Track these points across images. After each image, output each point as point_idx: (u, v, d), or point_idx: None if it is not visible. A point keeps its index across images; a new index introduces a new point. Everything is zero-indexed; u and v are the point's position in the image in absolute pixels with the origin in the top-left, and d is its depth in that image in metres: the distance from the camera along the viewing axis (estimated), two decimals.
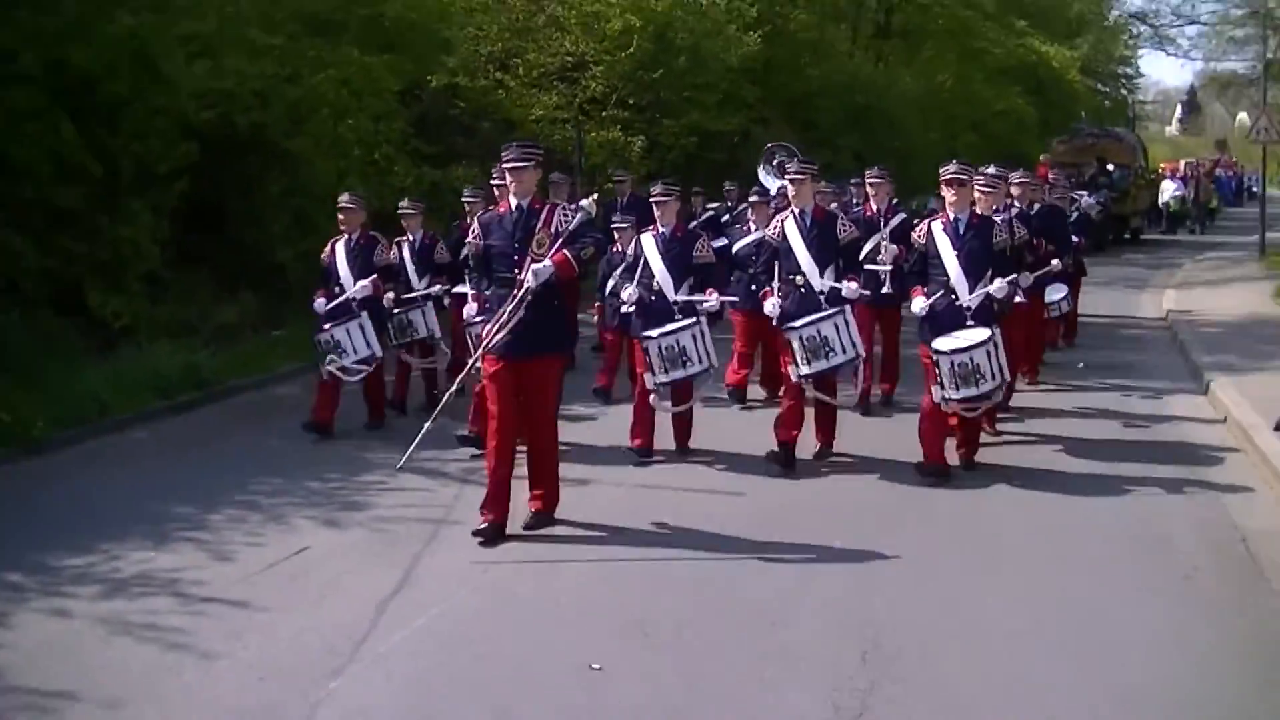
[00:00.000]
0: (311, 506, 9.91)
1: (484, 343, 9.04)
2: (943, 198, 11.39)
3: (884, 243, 13.03)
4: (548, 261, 8.77)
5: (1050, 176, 17.92)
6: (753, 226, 13.97)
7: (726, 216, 18.55)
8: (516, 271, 8.86)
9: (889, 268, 12.89)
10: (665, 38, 26.23)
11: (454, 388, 9.77)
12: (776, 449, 10.83)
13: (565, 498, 9.41)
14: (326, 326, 12.42)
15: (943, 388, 10.24)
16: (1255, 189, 68.52)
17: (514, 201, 9.07)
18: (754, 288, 12.39)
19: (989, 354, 10.15)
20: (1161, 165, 53.47)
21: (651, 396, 11.22)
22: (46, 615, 7.68)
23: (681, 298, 11.31)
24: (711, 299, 11.32)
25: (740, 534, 8.90)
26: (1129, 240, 36.15)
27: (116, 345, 14.48)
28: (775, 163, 18.91)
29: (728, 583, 7.97)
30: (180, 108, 15.31)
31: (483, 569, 8.31)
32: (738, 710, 6.10)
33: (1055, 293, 14.92)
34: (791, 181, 11.19)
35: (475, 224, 9.44)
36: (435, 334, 13.52)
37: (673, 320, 11.13)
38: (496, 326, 8.88)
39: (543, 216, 8.92)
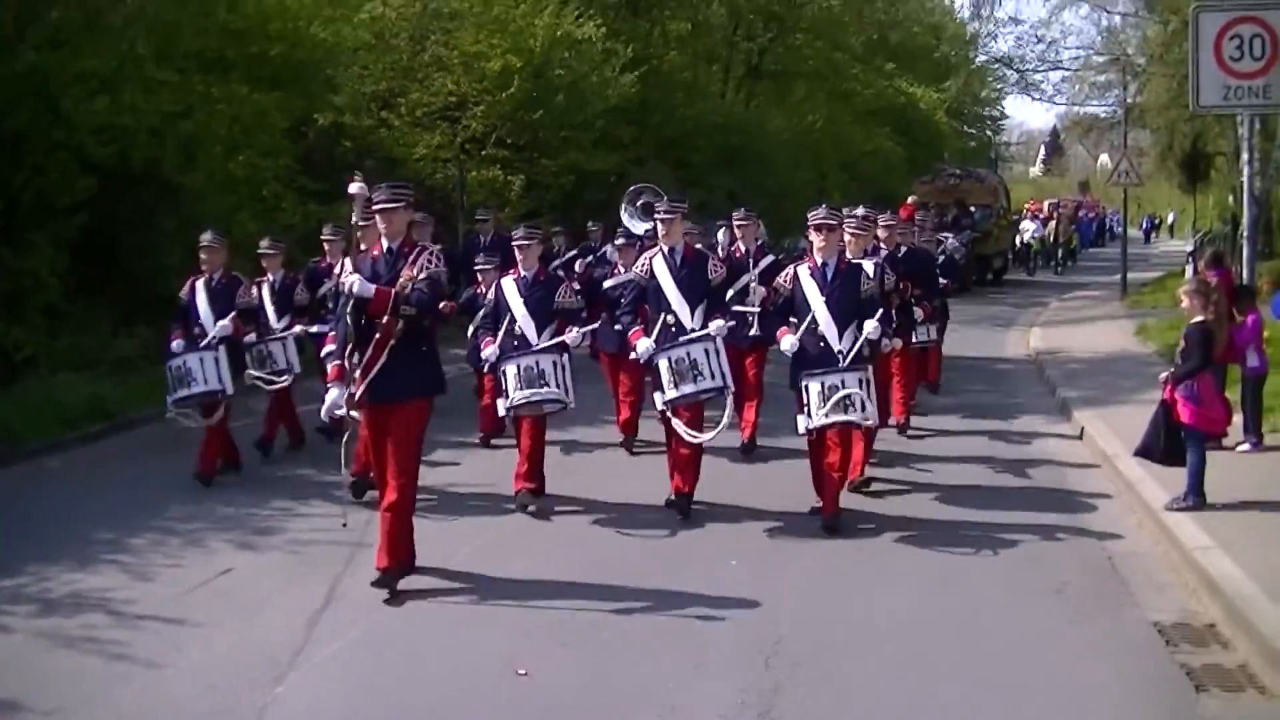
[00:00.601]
0: (227, 531, 10.40)
1: (357, 387, 8.74)
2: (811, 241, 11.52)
3: (752, 284, 13.01)
4: (370, 287, 8.57)
5: (917, 219, 18.28)
6: (620, 269, 13.92)
7: (591, 257, 18.54)
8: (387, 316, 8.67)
9: (757, 309, 12.89)
10: (544, 77, 27.02)
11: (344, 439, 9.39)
12: (674, 497, 10.80)
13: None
14: (179, 352, 12.20)
15: (809, 416, 10.16)
16: (1117, 229, 71.08)
17: (385, 244, 8.92)
18: (618, 328, 12.64)
19: (860, 382, 10.09)
20: (1026, 205, 55.28)
21: (507, 421, 11.35)
22: None
23: (544, 344, 11.18)
24: (571, 334, 11.38)
25: (639, 566, 9.23)
26: (991, 281, 36.98)
27: (19, 375, 14.87)
28: (639, 204, 18.34)
29: (635, 596, 8.62)
30: (79, 143, 15.79)
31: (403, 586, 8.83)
32: (655, 706, 6.75)
33: (922, 335, 14.84)
34: (661, 220, 11.10)
35: (347, 264, 8.99)
36: (294, 367, 13.34)
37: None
38: (362, 371, 8.68)
39: (410, 258, 8.77)
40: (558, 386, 10.89)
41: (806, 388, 10.21)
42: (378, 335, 8.61)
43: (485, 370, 12.11)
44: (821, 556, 9.48)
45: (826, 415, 10.07)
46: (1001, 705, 6.66)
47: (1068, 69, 40.20)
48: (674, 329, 10.81)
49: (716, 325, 10.59)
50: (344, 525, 9.38)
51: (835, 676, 7.09)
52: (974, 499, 11.15)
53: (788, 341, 10.47)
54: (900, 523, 10.45)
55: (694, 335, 10.58)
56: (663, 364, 10.46)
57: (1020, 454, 13.24)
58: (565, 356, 11.14)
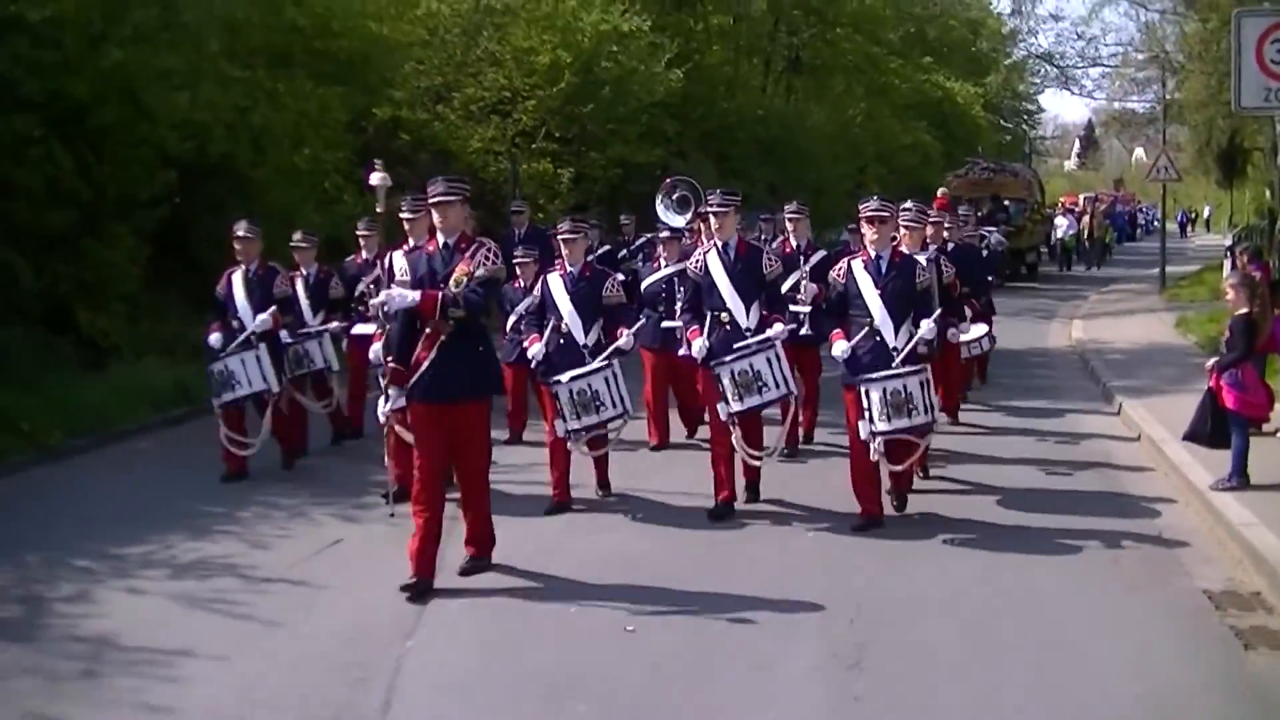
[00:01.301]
0: (327, 505, 11.13)
1: (405, 385, 8.80)
2: (859, 233, 11.57)
3: (804, 281, 12.67)
4: (411, 296, 8.63)
5: (960, 213, 18.27)
6: (663, 263, 13.74)
7: (624, 251, 19.02)
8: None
9: (808, 308, 12.62)
10: (592, 71, 27.71)
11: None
12: (716, 507, 10.72)
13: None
14: (221, 356, 12.17)
15: (871, 421, 9.95)
16: (1154, 224, 71.52)
17: (440, 239, 8.80)
18: (664, 325, 13.00)
19: (922, 385, 9.96)
20: (1061, 199, 55.76)
21: (569, 443, 10.89)
22: (126, 593, 8.85)
23: (591, 341, 11.03)
24: (624, 339, 11.01)
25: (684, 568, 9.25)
26: (1025, 276, 37.12)
27: (106, 362, 15.67)
28: (676, 197, 18.19)
29: (721, 570, 9.39)
30: (160, 137, 16.56)
31: (513, 552, 9.46)
32: (753, 658, 7.48)
33: (976, 331, 14.47)
34: (715, 214, 10.84)
35: (401, 261, 9.03)
36: (333, 366, 13.45)
37: (584, 363, 10.82)
38: (410, 369, 8.73)
39: (466, 253, 8.66)
40: (614, 404, 10.69)
41: (867, 393, 9.96)
42: (427, 332, 8.61)
43: (532, 368, 11.60)
44: (887, 539, 9.91)
45: (890, 421, 9.91)
46: (1065, 663, 7.29)
47: (1107, 65, 40.78)
48: (729, 328, 10.68)
49: (777, 330, 10.52)
50: (392, 515, 9.94)
51: (913, 636, 7.74)
52: (1029, 484, 11.68)
53: (840, 347, 10.28)
54: (960, 505, 10.89)
55: (753, 343, 10.45)
56: (725, 377, 10.40)
57: (1070, 440, 13.83)
58: (615, 365, 10.81)
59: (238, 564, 9.49)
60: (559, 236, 11.43)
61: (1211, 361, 11.24)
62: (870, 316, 10.24)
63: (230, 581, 9.08)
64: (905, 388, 9.91)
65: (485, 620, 8.27)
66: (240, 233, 12.59)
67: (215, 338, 12.29)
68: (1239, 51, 14.86)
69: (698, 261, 10.97)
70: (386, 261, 10.73)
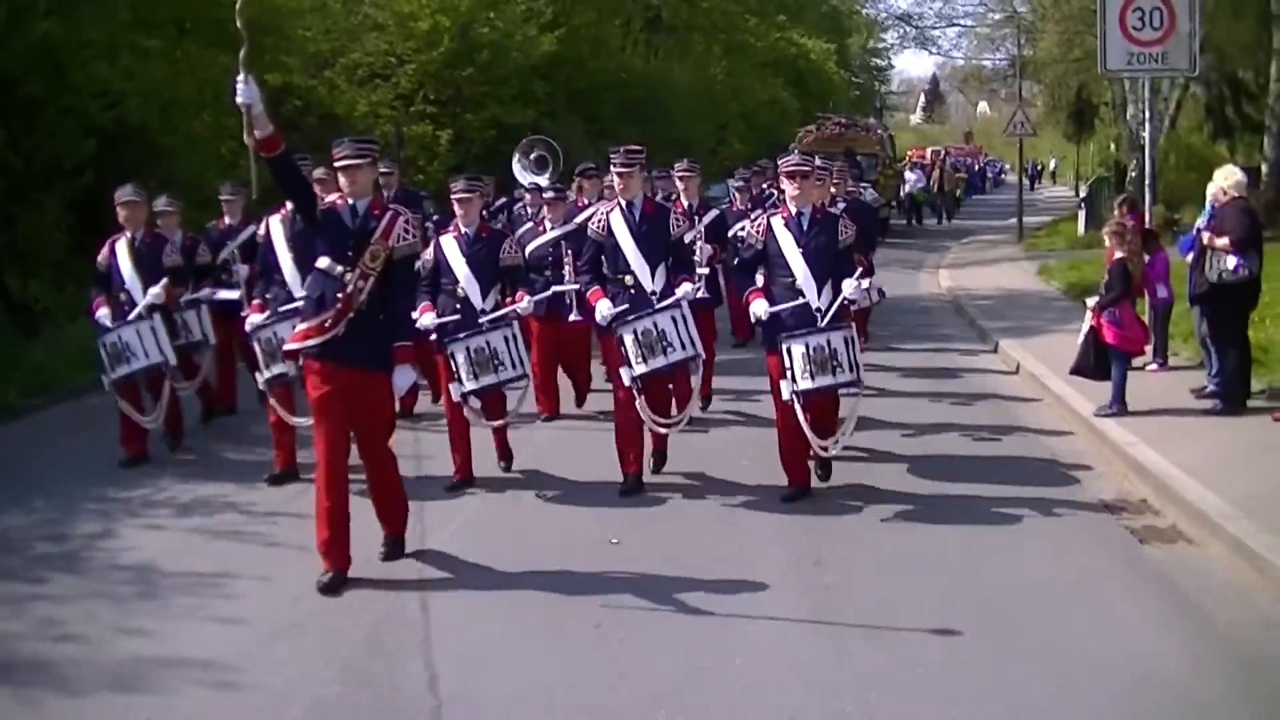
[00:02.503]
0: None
1: (300, 347, 8.47)
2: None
3: (699, 242, 12.15)
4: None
5: (835, 169, 17.87)
6: (548, 225, 13.47)
7: (484, 213, 19.38)
8: (345, 277, 8.27)
9: (705, 270, 12.27)
10: (468, 35, 28.82)
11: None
12: (625, 481, 10.51)
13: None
14: (113, 326, 11.61)
15: (794, 381, 9.75)
16: (1000, 177, 74.06)
17: (350, 202, 8.37)
18: (552, 289, 12.76)
19: (846, 341, 9.79)
20: (909, 152, 57.73)
21: (465, 410, 10.65)
22: (146, 529, 9.71)
23: (489, 306, 10.73)
24: (525, 302, 10.80)
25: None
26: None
27: (38, 327, 16.55)
28: (533, 156, 19.22)
29: (695, 493, 10.64)
30: (84, 107, 17.43)
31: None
32: (735, 563, 8.67)
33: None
34: (620, 173, 10.50)
35: (273, 224, 9.53)
36: (210, 338, 12.93)
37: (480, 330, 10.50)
38: (311, 330, 8.36)
39: (382, 225, 8.34)
40: (514, 365, 10.45)
41: (789, 350, 9.76)
42: (338, 306, 8.22)
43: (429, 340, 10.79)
44: (824, 494, 10.29)
45: (813, 379, 9.70)
46: (995, 558, 8.70)
47: (964, 25, 42.55)
48: (634, 291, 10.36)
49: (685, 289, 10.24)
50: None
51: (865, 541, 9.12)
52: (932, 425, 12.78)
53: (760, 306, 10.02)
54: (881, 457, 11.44)
55: (661, 305, 10.15)
56: (628, 337, 10.04)
57: (961, 381, 15.35)
58: (514, 327, 10.61)
59: (236, 501, 10.38)
60: (453, 195, 10.99)
61: (1092, 301, 12.81)
62: (791, 275, 10.01)
63: (237, 516, 9.99)
64: (829, 343, 9.70)
65: (479, 538, 9.35)
66: (123, 197, 11.95)
67: (104, 313, 11.69)
68: (1103, 19, 16.51)
69: (600, 221, 10.60)
70: (263, 228, 11.16)
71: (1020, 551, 8.85)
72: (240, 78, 7.93)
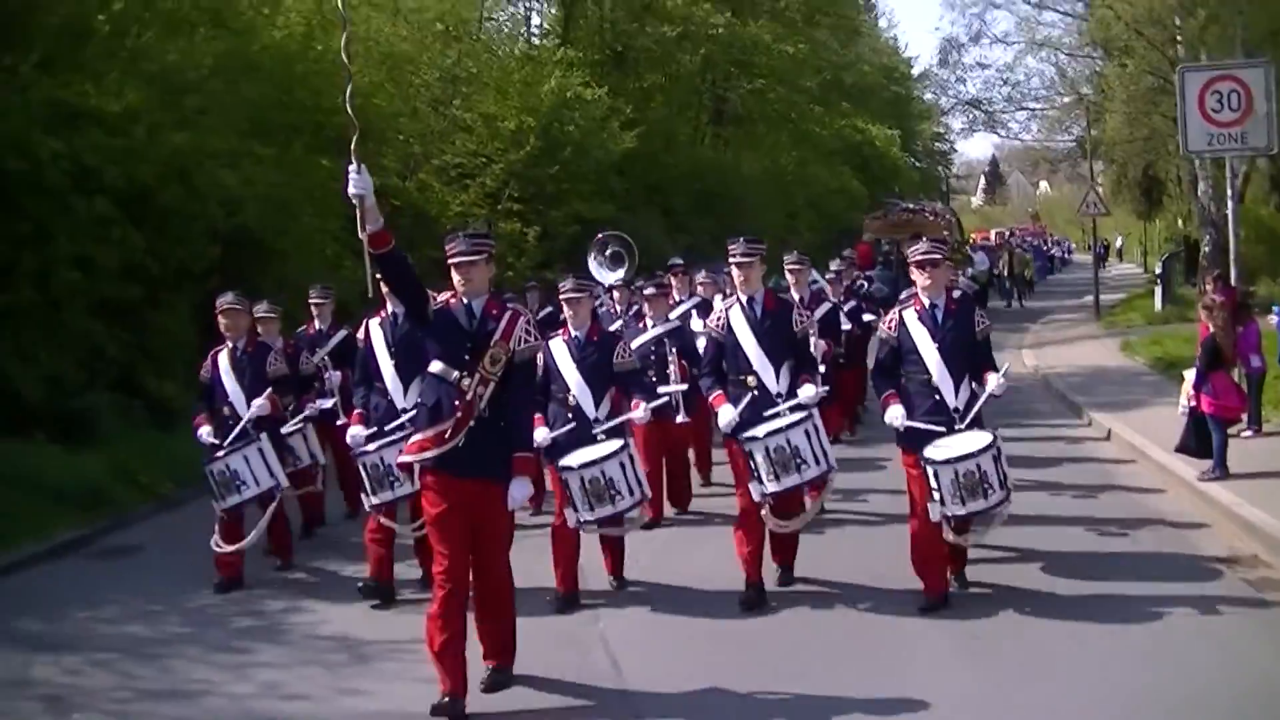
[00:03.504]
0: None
1: (418, 461, 8.09)
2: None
3: (813, 337, 11.43)
4: (525, 482, 8.05)
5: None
6: (649, 322, 13.06)
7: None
8: (462, 383, 7.84)
9: (822, 367, 11.74)
10: (551, 134, 29.98)
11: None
12: (746, 589, 9.89)
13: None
14: (219, 455, 11.03)
15: (943, 504, 9.19)
16: (1066, 257, 74.82)
17: (465, 301, 7.95)
18: (658, 389, 12.23)
19: (995, 459, 9.18)
20: (973, 234, 58.59)
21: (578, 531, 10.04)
22: (330, 604, 10.48)
23: (603, 414, 10.20)
24: (639, 411, 10.19)
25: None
26: None
27: (176, 424, 17.54)
28: (609, 253, 18.85)
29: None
30: (210, 214, 18.57)
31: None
32: None
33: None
34: (739, 265, 9.87)
35: (373, 326, 9.03)
36: (319, 459, 12.64)
37: (594, 441, 9.95)
38: (430, 441, 7.94)
39: (501, 326, 7.93)
40: (630, 492, 9.72)
41: (937, 475, 9.18)
42: (457, 416, 7.83)
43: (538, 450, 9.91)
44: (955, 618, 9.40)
45: (964, 504, 9.18)
46: (1117, 613, 9.27)
47: (1032, 109, 43.44)
48: (757, 393, 9.74)
49: (808, 394, 9.62)
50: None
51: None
52: (1037, 494, 13.26)
53: (895, 413, 9.56)
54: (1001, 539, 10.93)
55: (793, 418, 9.52)
56: (759, 455, 9.47)
57: (1061, 454, 16.04)
58: (629, 447, 9.90)
59: (409, 578, 10.73)
60: (563, 297, 10.60)
61: (1189, 376, 13.66)
62: (927, 373, 9.50)
63: (407, 589, 10.55)
64: (979, 468, 9.12)
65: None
66: (225, 304, 11.56)
67: (205, 431, 11.28)
68: (1183, 101, 17.31)
69: (719, 319, 10.04)
70: (362, 332, 10.74)
71: (1151, 607, 9.39)
72: (353, 167, 7.43)
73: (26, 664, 9.24)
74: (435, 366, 7.92)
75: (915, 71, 59.38)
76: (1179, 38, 31.01)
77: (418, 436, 8.01)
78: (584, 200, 30.79)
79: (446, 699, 7.67)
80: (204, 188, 18.58)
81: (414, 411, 8.84)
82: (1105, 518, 12.32)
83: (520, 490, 7.94)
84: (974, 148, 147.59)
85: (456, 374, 7.82)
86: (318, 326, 13.30)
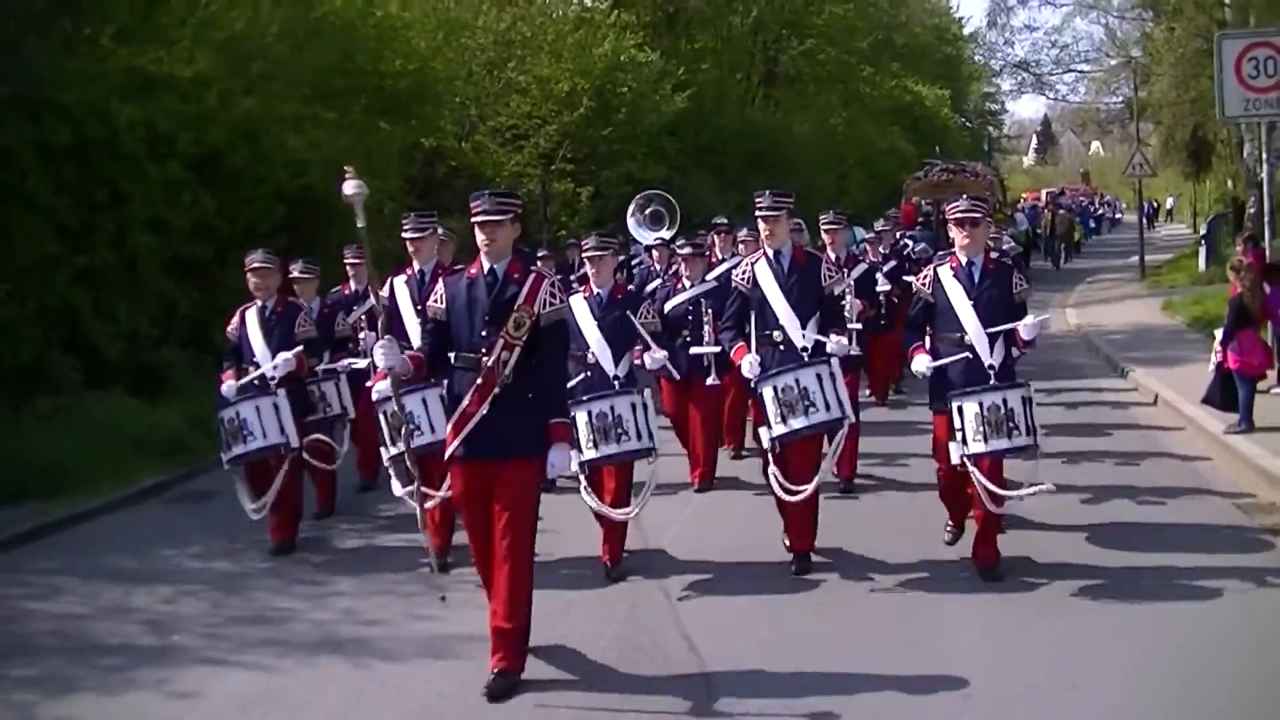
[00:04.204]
0: None
1: (448, 446, 7.87)
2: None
3: (849, 296, 11.90)
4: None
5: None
6: (686, 283, 12.98)
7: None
8: (483, 353, 7.62)
9: (856, 325, 12.05)
10: (604, 96, 30.68)
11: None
12: (794, 559, 9.80)
13: None
14: (233, 402, 10.91)
15: (964, 442, 9.09)
16: (1116, 218, 74.90)
17: (486, 264, 7.72)
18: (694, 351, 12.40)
19: (1025, 401, 9.09)
20: (1024, 194, 58.86)
21: (584, 494, 9.74)
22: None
23: (623, 372, 10.10)
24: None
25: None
26: None
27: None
28: (649, 212, 18.66)
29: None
30: (276, 176, 19.37)
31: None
32: None
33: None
34: (765, 219, 9.76)
35: (440, 285, 7.97)
36: (350, 413, 12.39)
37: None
38: (456, 423, 7.77)
39: (525, 290, 7.67)
40: (639, 436, 9.57)
41: (960, 409, 9.13)
42: (479, 382, 7.64)
43: None
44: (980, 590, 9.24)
45: (986, 442, 9.02)
46: (1143, 544, 10.12)
47: (1080, 71, 43.71)
48: (782, 348, 9.66)
49: (835, 343, 9.50)
50: (443, 600, 8.40)
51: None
52: (1075, 444, 13.99)
53: (922, 362, 9.53)
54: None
55: (805, 361, 9.44)
56: (767, 394, 9.35)
57: (1098, 407, 16.88)
58: (645, 394, 9.77)
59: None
60: (585, 254, 10.76)
61: (1218, 340, 14.29)
62: (961, 330, 9.41)
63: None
64: (1005, 402, 9.04)
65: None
66: (255, 262, 11.44)
67: (229, 386, 11.08)
68: (1220, 69, 17.83)
69: (745, 273, 9.94)
70: (386, 290, 10.51)
71: (1167, 547, 10.12)
72: (381, 343, 7.72)
73: (126, 594, 10.10)
74: (457, 361, 7.82)
75: (966, 31, 59.61)
76: (1227, 1, 31.34)
77: (449, 426, 7.85)
78: (636, 161, 31.46)
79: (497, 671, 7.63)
80: (270, 151, 19.35)
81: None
82: (1124, 451, 13.50)
83: (560, 457, 7.68)
84: (1026, 107, 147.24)
85: (474, 357, 7.67)
86: (353, 287, 13.11)
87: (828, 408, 9.21)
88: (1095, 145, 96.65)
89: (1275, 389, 15.70)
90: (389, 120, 23.81)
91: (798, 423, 9.24)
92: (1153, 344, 21.45)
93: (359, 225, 8.03)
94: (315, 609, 9.51)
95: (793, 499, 9.56)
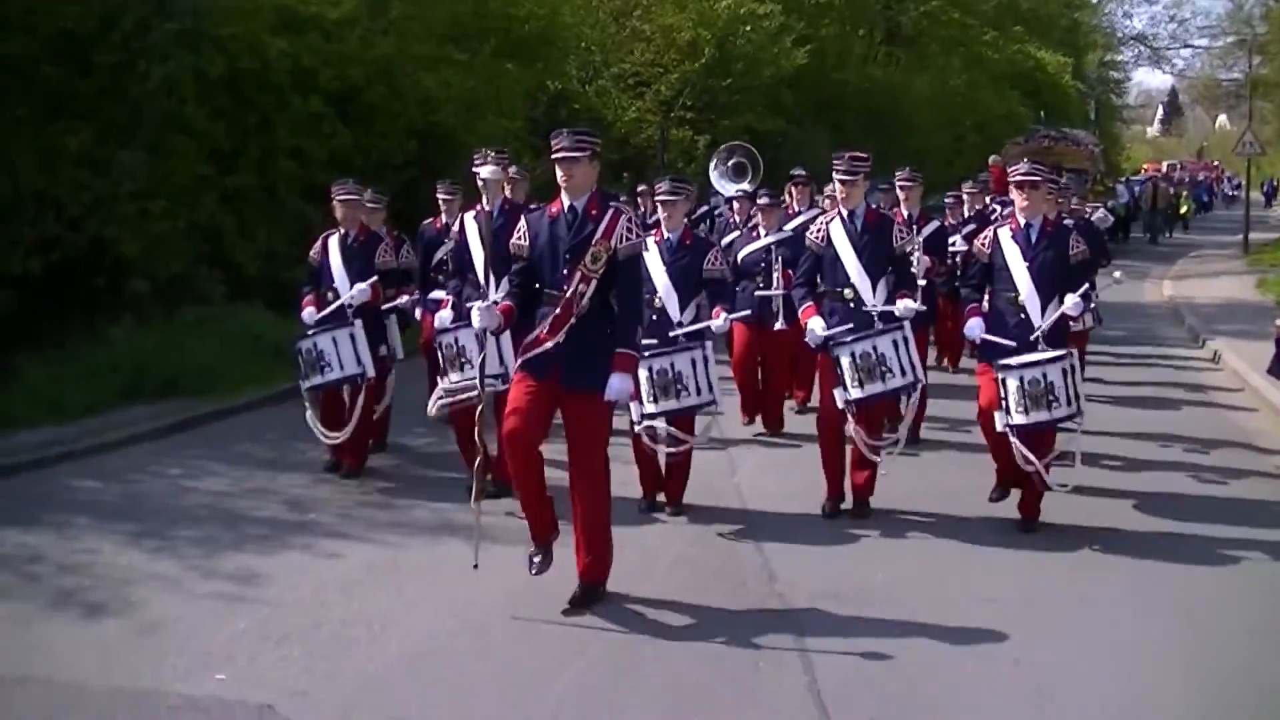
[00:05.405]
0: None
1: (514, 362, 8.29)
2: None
3: (917, 254, 12.34)
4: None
5: (1061, 184, 16.88)
6: (762, 231, 13.24)
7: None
8: (565, 289, 7.82)
9: (923, 282, 12.31)
10: (725, 48, 31.78)
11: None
12: (856, 506, 10.24)
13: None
14: (311, 333, 11.22)
15: (1008, 412, 9.45)
16: (1231, 193, 74.86)
17: (566, 201, 7.92)
18: (760, 294, 12.86)
19: (1065, 373, 9.36)
20: (1145, 165, 59.18)
21: (643, 436, 10.06)
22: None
23: (688, 319, 10.28)
24: (720, 319, 10.21)
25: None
26: None
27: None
28: (731, 164, 19.08)
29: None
30: (409, 113, 20.80)
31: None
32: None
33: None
34: (842, 181, 9.89)
35: (523, 223, 8.11)
36: (397, 353, 12.40)
37: (673, 344, 10.01)
38: (528, 344, 7.99)
39: (604, 225, 7.86)
40: (699, 391, 9.79)
41: (1004, 381, 9.47)
42: (556, 312, 7.86)
43: None
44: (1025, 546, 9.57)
45: (1027, 414, 9.38)
46: (1187, 508, 10.75)
47: (1197, 47, 44.13)
48: (852, 305, 9.90)
49: (904, 306, 9.75)
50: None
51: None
52: (1143, 408, 15.01)
53: (974, 324, 9.94)
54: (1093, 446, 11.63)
55: (881, 327, 9.73)
56: (845, 359, 9.63)
57: (1172, 374, 17.74)
58: (707, 348, 9.98)
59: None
60: (657, 198, 10.87)
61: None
62: (1015, 290, 9.77)
63: None
64: (1045, 376, 9.36)
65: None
66: (340, 195, 11.68)
67: (309, 312, 11.50)
68: None
69: (819, 231, 10.11)
70: (456, 225, 11.10)
71: (1211, 507, 10.73)
72: (480, 306, 8.04)
73: (268, 479, 11.60)
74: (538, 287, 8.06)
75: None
76: None
77: (520, 348, 8.12)
78: (754, 112, 32.33)
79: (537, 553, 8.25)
80: (404, 89, 20.84)
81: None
82: (1184, 417, 14.17)
83: (620, 383, 7.81)
84: (1153, 77, 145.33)
85: (552, 292, 7.91)
86: (444, 220, 12.60)
87: (903, 373, 9.63)
88: (1222, 119, 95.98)
89: None
90: (516, 63, 25.09)
91: (875, 388, 9.60)
92: (1239, 318, 22.21)
93: (485, 207, 8.72)
94: (434, 498, 10.78)
95: (875, 458, 10.06)
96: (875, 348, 9.56)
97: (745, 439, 13.11)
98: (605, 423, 8.10)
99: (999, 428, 9.56)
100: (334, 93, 19.57)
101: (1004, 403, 9.46)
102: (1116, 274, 12.39)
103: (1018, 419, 9.41)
